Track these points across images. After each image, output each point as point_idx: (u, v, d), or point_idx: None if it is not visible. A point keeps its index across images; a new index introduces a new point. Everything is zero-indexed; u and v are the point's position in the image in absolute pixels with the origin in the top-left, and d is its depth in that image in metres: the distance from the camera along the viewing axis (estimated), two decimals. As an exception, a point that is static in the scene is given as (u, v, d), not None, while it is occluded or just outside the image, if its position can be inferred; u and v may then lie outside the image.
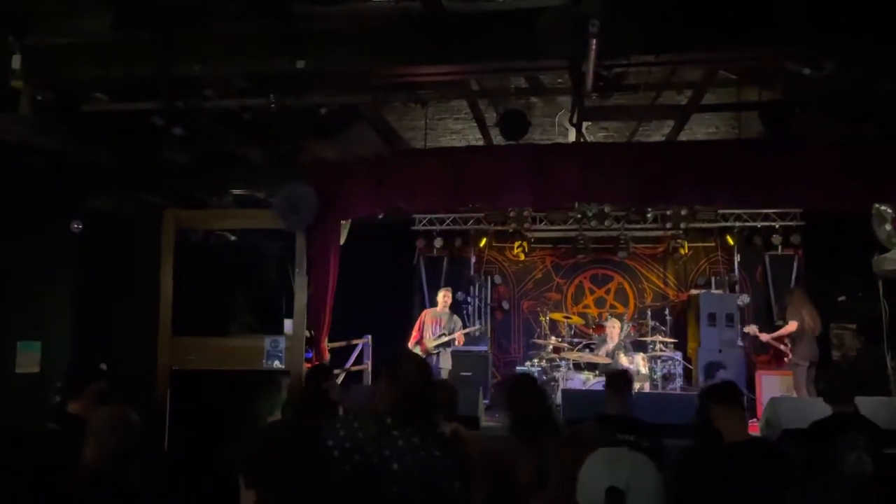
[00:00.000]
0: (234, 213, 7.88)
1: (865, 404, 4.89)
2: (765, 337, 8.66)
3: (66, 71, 5.22)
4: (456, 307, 10.75)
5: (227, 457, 2.32)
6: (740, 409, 3.68)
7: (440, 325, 8.82)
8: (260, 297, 7.89)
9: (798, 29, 3.93)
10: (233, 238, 8.33)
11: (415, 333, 8.93)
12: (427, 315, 9.00)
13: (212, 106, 5.78)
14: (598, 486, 1.73)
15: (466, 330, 9.01)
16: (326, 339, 7.44)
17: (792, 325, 8.32)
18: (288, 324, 7.57)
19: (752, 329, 8.71)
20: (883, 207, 7.13)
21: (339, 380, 8.55)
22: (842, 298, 9.55)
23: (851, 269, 9.02)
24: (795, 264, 10.08)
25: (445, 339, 8.70)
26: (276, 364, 7.09)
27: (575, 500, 1.85)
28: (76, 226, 6.99)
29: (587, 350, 9.37)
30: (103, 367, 5.95)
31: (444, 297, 9.02)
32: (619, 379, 4.68)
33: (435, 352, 8.74)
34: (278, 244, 8.00)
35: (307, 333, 7.27)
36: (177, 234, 7.49)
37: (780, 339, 8.59)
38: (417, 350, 8.78)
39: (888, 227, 7.14)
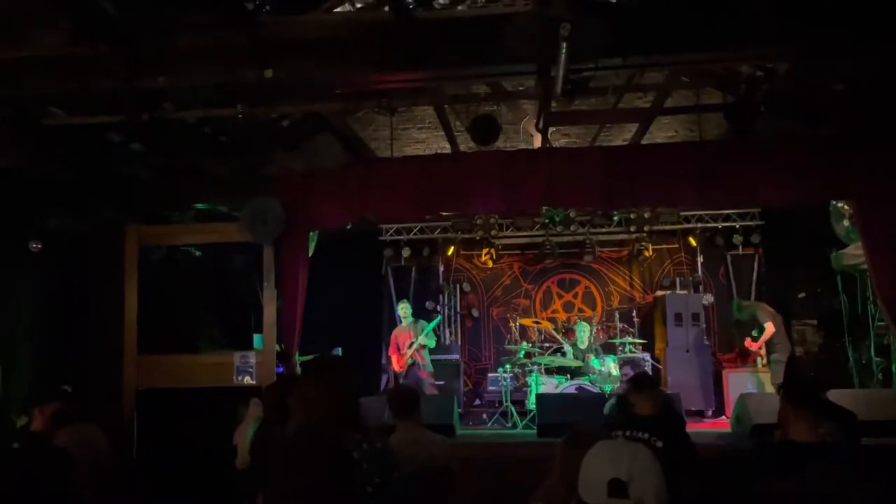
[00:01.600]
0: (198, 228, 7.74)
1: (838, 397, 5.03)
2: (755, 346, 8.86)
3: (24, 85, 5.07)
4: (425, 316, 10.74)
5: (241, 479, 2.27)
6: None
7: (410, 337, 8.79)
8: (228, 312, 7.75)
9: (767, 28, 4.03)
10: (198, 253, 8.17)
11: (393, 356, 8.88)
12: (398, 334, 8.96)
13: (176, 118, 5.66)
14: (601, 479, 1.74)
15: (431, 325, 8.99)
16: (297, 353, 7.34)
17: (770, 328, 8.55)
18: (258, 338, 7.45)
19: (750, 344, 8.92)
20: (840, 204, 7.34)
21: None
22: (802, 295, 9.79)
23: (810, 266, 9.28)
24: (756, 263, 10.32)
25: (415, 344, 8.67)
26: (247, 380, 6.97)
27: (573, 500, 1.84)
28: (35, 245, 6.78)
29: (557, 354, 9.42)
30: (67, 388, 5.80)
31: (402, 310, 9.08)
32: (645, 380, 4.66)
33: (410, 362, 8.70)
34: (245, 258, 7.87)
35: (278, 347, 7.17)
36: (140, 251, 7.33)
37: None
38: (396, 370, 8.76)
39: (846, 222, 7.34)
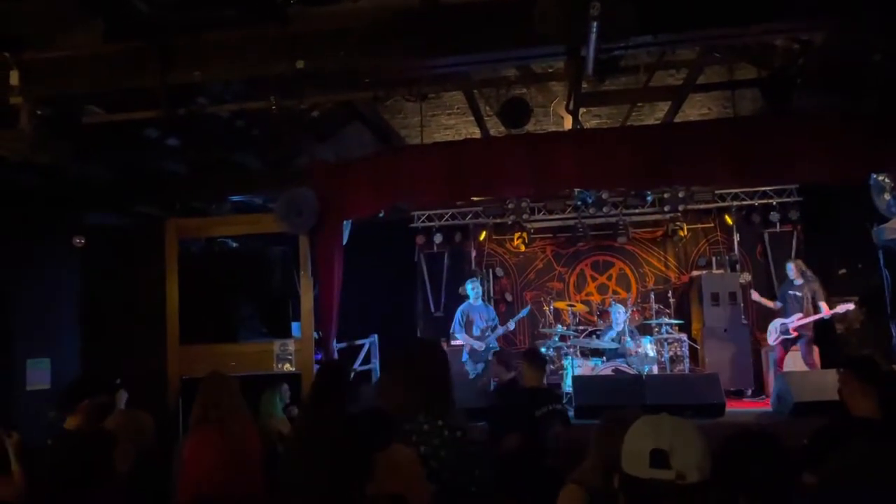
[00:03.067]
0: (235, 220, 7.90)
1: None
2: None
3: (63, 84, 5.20)
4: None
5: None
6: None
7: (482, 318, 8.81)
8: (266, 302, 7.89)
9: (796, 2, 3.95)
10: (235, 244, 8.32)
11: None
12: (470, 310, 8.94)
13: (210, 112, 5.76)
14: (643, 451, 1.72)
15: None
16: (334, 340, 7.46)
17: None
18: (296, 326, 7.58)
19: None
20: (881, 177, 7.15)
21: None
22: (842, 272, 9.59)
23: (850, 242, 9.07)
24: (794, 240, 10.13)
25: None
26: (287, 367, 7.11)
27: (616, 476, 1.85)
28: (78, 241, 6.99)
29: (593, 337, 9.40)
30: (118, 381, 5.97)
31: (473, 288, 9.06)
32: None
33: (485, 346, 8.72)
34: (281, 248, 8.00)
35: (315, 335, 7.29)
36: (179, 244, 7.50)
37: None
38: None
39: (887, 196, 7.16)
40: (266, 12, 4.72)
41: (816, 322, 8.51)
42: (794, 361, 8.48)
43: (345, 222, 7.54)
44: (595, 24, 3.81)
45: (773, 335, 8.63)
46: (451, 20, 4.79)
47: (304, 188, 7.04)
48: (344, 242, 7.60)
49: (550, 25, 4.02)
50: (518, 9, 4.43)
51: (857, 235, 8.65)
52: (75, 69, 5.17)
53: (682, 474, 1.66)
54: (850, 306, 8.38)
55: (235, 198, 8.16)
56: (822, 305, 8.40)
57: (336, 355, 7.60)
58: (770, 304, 8.93)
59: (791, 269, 8.64)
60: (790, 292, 8.55)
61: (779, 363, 8.38)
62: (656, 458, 1.68)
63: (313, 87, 5.65)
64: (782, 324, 8.48)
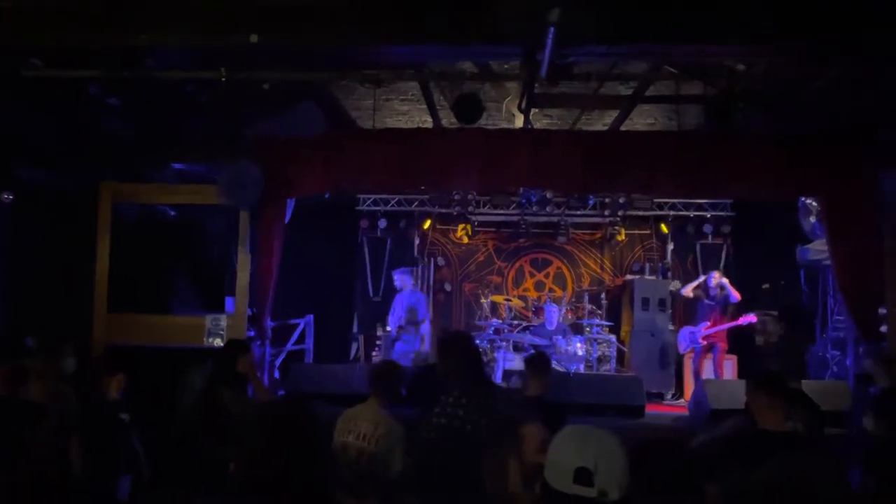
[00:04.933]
0: (175, 189, 7.70)
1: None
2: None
3: (4, 35, 4.98)
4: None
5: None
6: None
7: (401, 307, 8.85)
8: (201, 275, 7.74)
9: (751, 28, 4.11)
10: (172, 213, 8.12)
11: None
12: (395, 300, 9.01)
13: (156, 77, 5.60)
14: (568, 466, 1.77)
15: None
16: (269, 318, 7.39)
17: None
18: (230, 302, 7.47)
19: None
20: (809, 200, 7.54)
21: (280, 359, 8.50)
22: (766, 286, 10.05)
23: (775, 259, 9.53)
24: (724, 252, 10.54)
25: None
26: (218, 342, 7.01)
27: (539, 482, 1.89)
28: (6, 196, 6.70)
29: (527, 332, 9.57)
30: (30, 342, 5.75)
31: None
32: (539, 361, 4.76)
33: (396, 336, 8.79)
34: (221, 221, 7.84)
35: (249, 311, 7.21)
36: (114, 208, 7.28)
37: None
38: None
39: (813, 219, 7.56)
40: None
41: (736, 333, 8.83)
42: (709, 369, 8.82)
43: (288, 200, 7.47)
44: (553, 29, 3.89)
45: (682, 344, 8.92)
46: (413, 8, 4.80)
47: (250, 162, 6.94)
48: (286, 220, 7.53)
49: (510, 26, 4.09)
50: (482, 7, 4.48)
51: (782, 253, 9.11)
52: (20, 21, 4.96)
53: (603, 492, 1.72)
54: (753, 318, 8.69)
55: (178, 165, 7.95)
56: (727, 318, 8.66)
57: (270, 333, 7.54)
58: (696, 283, 9.03)
59: (713, 277, 8.80)
60: (705, 301, 8.79)
61: (697, 371, 8.68)
62: (581, 476, 1.74)
63: (266, 62, 5.55)
64: (691, 332, 8.77)
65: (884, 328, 6.84)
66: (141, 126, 7.19)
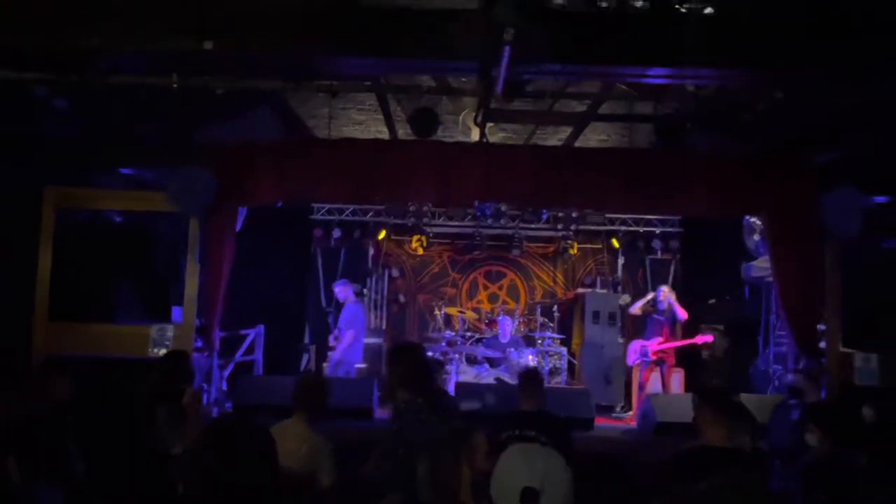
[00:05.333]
0: (121, 194, 7.50)
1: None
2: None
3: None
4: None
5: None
6: None
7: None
8: (147, 283, 7.55)
9: (696, 52, 4.25)
10: (119, 220, 7.91)
11: None
12: None
13: (108, 81, 5.48)
14: (514, 486, 1.82)
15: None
16: (217, 328, 7.25)
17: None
18: (177, 311, 7.31)
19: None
20: (753, 219, 7.77)
21: (229, 370, 8.34)
22: (712, 301, 10.31)
23: (722, 275, 9.79)
24: (672, 268, 10.78)
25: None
26: (163, 353, 6.84)
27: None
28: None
29: (479, 344, 9.61)
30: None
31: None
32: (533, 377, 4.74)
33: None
34: (169, 228, 7.67)
35: (197, 322, 7.06)
36: (58, 213, 7.06)
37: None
38: None
39: (756, 237, 7.80)
40: (178, -14, 4.56)
41: (683, 348, 8.98)
42: (654, 382, 8.97)
43: (240, 208, 7.36)
44: (508, 48, 3.94)
45: (632, 356, 9.02)
46: (371, 21, 4.81)
47: (201, 168, 6.81)
48: (237, 228, 7.42)
49: (466, 43, 4.13)
50: (438, 22, 4.51)
51: (729, 269, 9.37)
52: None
53: None
54: (709, 338, 8.90)
55: (126, 170, 7.76)
56: (678, 332, 8.79)
57: (217, 344, 7.40)
58: (643, 301, 9.10)
59: (662, 292, 8.86)
60: (654, 316, 8.87)
61: (643, 384, 8.81)
62: (527, 496, 1.80)
63: (220, 69, 5.48)
64: (642, 346, 8.88)
65: (822, 344, 7.10)
66: (89, 129, 7.01)
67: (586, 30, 4.59)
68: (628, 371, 9.92)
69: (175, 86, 5.22)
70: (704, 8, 5.91)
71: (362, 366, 9.37)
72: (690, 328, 9.14)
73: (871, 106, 5.80)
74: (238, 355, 8.62)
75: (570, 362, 10.14)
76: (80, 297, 6.91)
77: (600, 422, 8.29)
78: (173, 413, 4.13)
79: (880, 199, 7.35)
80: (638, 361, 8.94)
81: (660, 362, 8.79)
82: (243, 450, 1.87)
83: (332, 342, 8.93)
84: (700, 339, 8.81)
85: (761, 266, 8.23)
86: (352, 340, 8.66)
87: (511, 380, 8.63)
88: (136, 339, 6.80)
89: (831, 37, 4.63)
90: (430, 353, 9.20)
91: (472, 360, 9.24)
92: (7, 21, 4.68)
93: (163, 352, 6.82)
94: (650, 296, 9.09)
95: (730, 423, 3.68)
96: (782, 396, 7.65)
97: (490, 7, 4.08)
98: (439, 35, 4.46)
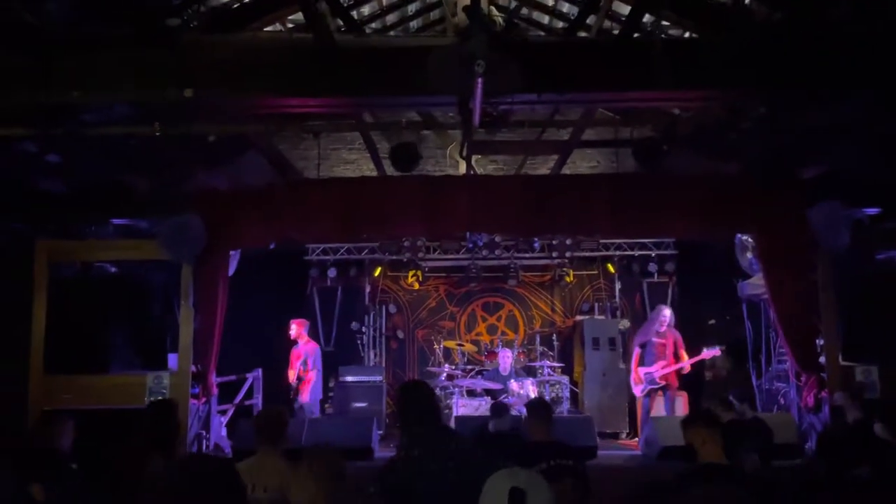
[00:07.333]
0: (114, 244, 7.55)
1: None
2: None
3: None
4: (350, 337, 10.71)
5: None
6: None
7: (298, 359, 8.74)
8: (143, 332, 7.55)
9: (664, 76, 4.31)
10: (113, 270, 7.95)
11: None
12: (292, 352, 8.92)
13: (93, 133, 5.56)
14: (502, 490, 1.88)
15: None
16: (214, 374, 7.23)
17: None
18: (172, 358, 7.29)
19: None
20: (745, 237, 7.77)
21: (229, 415, 8.28)
22: (712, 322, 10.26)
23: (720, 295, 9.75)
24: (670, 290, 10.74)
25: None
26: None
27: None
28: (-65, 258, 6.49)
29: (480, 376, 9.55)
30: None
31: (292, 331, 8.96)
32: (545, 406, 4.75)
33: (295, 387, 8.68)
34: (163, 276, 7.70)
35: (194, 368, 7.04)
36: (51, 266, 7.10)
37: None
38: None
39: (749, 254, 7.78)
40: (155, 36, 4.66)
41: (684, 371, 8.82)
42: (660, 408, 8.85)
43: (233, 252, 7.41)
44: (480, 80, 4.01)
45: (639, 387, 8.76)
46: (348, 61, 4.89)
47: (191, 215, 6.87)
48: (231, 273, 7.45)
49: (439, 78, 4.20)
50: (412, 59, 4.59)
51: (726, 289, 9.32)
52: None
53: None
54: (717, 352, 8.77)
55: (118, 221, 7.82)
56: (683, 355, 8.62)
57: (215, 390, 7.37)
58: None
59: (665, 314, 8.67)
60: (654, 339, 8.64)
61: (648, 409, 8.66)
62: (514, 496, 1.85)
63: (202, 116, 5.56)
64: (647, 373, 8.66)
65: (822, 359, 7.04)
66: (79, 182, 7.08)
67: (560, 59, 4.67)
68: (632, 397, 9.82)
69: (157, 134, 5.29)
70: (683, 32, 6.04)
71: (363, 405, 9.31)
72: (691, 349, 9.04)
73: (854, 120, 5.84)
74: (237, 399, 8.57)
75: (573, 391, 10.05)
76: (74, 349, 6.91)
77: (605, 449, 8.20)
78: (168, 461, 4.11)
79: (872, 210, 7.36)
80: (646, 390, 8.72)
81: (665, 387, 8.64)
82: (210, 485, 1.87)
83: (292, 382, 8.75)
84: (707, 355, 8.68)
85: (756, 283, 8.20)
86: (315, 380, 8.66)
87: (513, 411, 8.55)
88: (131, 389, 6.78)
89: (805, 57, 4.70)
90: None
91: (472, 394, 9.17)
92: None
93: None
94: (659, 324, 8.67)
95: (726, 442, 3.68)
96: (788, 415, 7.59)
97: (464, 41, 4.17)
98: (418, 71, 4.53)
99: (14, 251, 6.94)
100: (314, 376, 8.64)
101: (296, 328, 8.90)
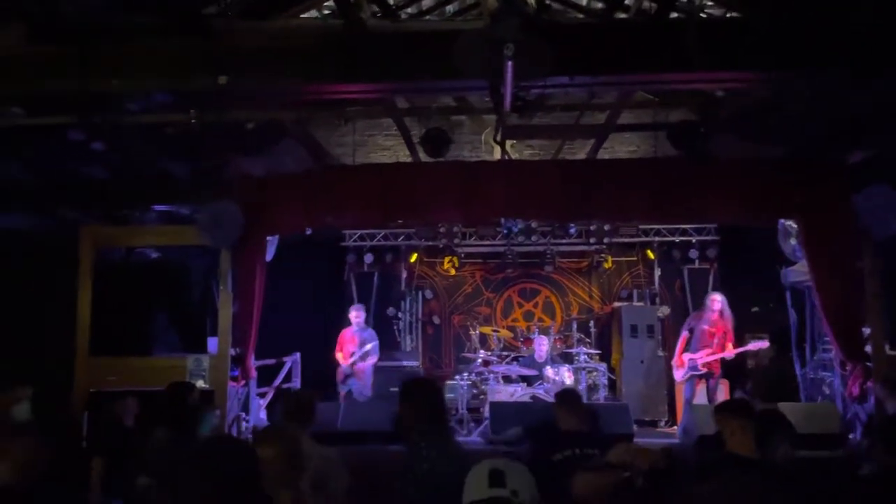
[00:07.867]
0: (156, 230, 7.72)
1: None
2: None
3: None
4: (387, 322, 10.77)
5: None
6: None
7: (355, 344, 8.82)
8: (183, 315, 7.74)
9: (701, 57, 4.19)
10: (155, 255, 8.15)
11: (339, 355, 8.90)
12: (344, 335, 9.00)
13: (133, 121, 5.67)
14: (482, 474, 1.95)
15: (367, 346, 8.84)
16: (253, 357, 7.36)
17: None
18: (213, 342, 7.45)
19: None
20: (788, 223, 7.55)
21: (268, 398, 8.44)
22: (755, 309, 10.02)
23: (763, 281, 9.50)
24: (711, 277, 10.52)
25: (358, 355, 8.73)
26: (200, 383, 6.97)
27: None
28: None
29: (515, 363, 9.52)
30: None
31: (354, 315, 9.02)
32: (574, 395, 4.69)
33: (350, 371, 8.76)
34: (203, 261, 7.86)
35: (233, 351, 7.18)
36: (96, 252, 7.30)
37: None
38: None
39: (793, 241, 7.56)
40: (190, 24, 4.72)
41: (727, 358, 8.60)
42: (701, 396, 8.68)
43: (270, 238, 7.51)
44: (510, 63, 3.95)
45: (680, 372, 8.54)
46: (380, 47, 4.88)
47: (229, 201, 6.98)
48: (269, 258, 7.55)
49: (468, 62, 4.15)
50: (442, 42, 4.55)
51: (769, 275, 9.08)
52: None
53: (515, 492, 1.89)
54: (764, 344, 8.55)
55: (159, 207, 8.00)
56: (729, 346, 8.31)
57: (254, 373, 7.50)
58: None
59: (718, 301, 8.30)
60: (704, 327, 8.37)
61: (690, 398, 8.47)
62: (494, 477, 1.91)
63: (236, 103, 5.62)
64: (690, 359, 8.42)
65: (868, 348, 6.82)
66: (122, 169, 7.25)
67: (593, 40, 4.57)
68: (671, 385, 9.67)
69: (193, 121, 5.37)
70: (726, 12, 5.87)
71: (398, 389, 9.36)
72: (735, 338, 8.82)
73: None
74: (276, 382, 8.72)
75: (610, 379, 9.95)
76: (118, 333, 7.12)
77: (643, 437, 8.11)
78: (177, 437, 4.22)
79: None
80: (688, 375, 8.55)
81: (708, 375, 8.45)
82: (226, 466, 1.92)
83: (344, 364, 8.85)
84: (754, 346, 8.48)
85: (800, 270, 7.98)
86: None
87: (546, 397, 8.51)
88: (173, 372, 6.93)
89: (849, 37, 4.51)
90: (466, 375, 9.19)
91: (507, 380, 9.15)
92: (34, 68, 4.89)
93: (200, 383, 6.97)
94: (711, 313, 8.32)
95: (758, 433, 3.61)
96: (831, 404, 7.38)
97: (493, 24, 4.11)
98: (445, 56, 4.49)
99: (61, 237, 7.15)
100: (374, 361, 8.76)
101: (356, 313, 9.02)
